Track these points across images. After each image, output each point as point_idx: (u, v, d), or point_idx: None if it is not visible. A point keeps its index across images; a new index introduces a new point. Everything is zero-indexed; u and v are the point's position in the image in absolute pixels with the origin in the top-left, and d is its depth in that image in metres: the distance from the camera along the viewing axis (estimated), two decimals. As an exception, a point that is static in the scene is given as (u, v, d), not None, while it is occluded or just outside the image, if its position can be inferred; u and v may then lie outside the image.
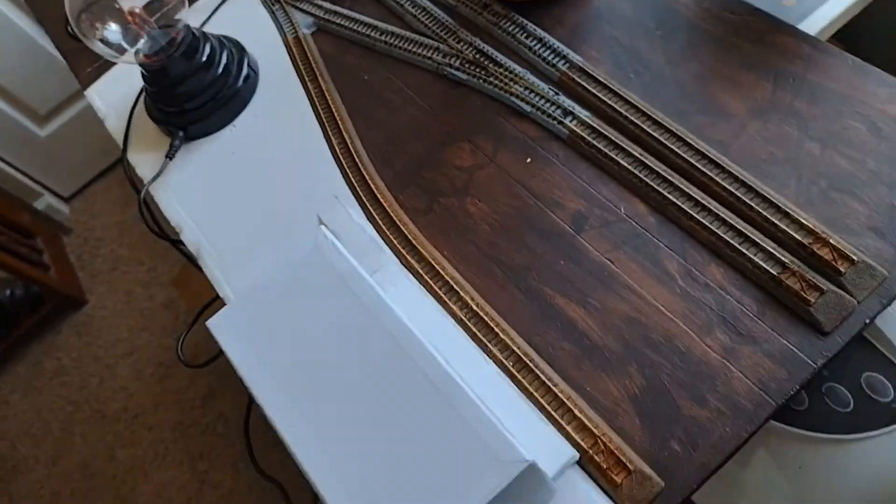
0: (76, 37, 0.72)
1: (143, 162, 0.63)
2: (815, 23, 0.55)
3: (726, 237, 0.45)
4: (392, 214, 0.53)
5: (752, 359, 0.42)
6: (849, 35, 0.62)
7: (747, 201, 0.46)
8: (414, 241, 0.51)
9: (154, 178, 0.60)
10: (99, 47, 0.58)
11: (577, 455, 0.35)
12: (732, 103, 0.50)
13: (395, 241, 0.52)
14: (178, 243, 0.59)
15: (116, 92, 0.69)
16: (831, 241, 0.43)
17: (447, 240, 0.51)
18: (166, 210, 0.59)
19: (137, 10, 0.57)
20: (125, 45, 0.59)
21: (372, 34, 0.63)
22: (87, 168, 1.78)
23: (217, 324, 0.42)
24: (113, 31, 0.58)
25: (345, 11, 0.65)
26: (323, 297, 0.41)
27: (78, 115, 1.58)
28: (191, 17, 0.68)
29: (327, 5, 0.66)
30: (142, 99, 0.67)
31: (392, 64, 0.62)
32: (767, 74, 0.51)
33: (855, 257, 0.42)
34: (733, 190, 0.46)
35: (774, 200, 0.45)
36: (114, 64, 0.71)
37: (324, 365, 0.39)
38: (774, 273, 0.43)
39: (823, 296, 0.42)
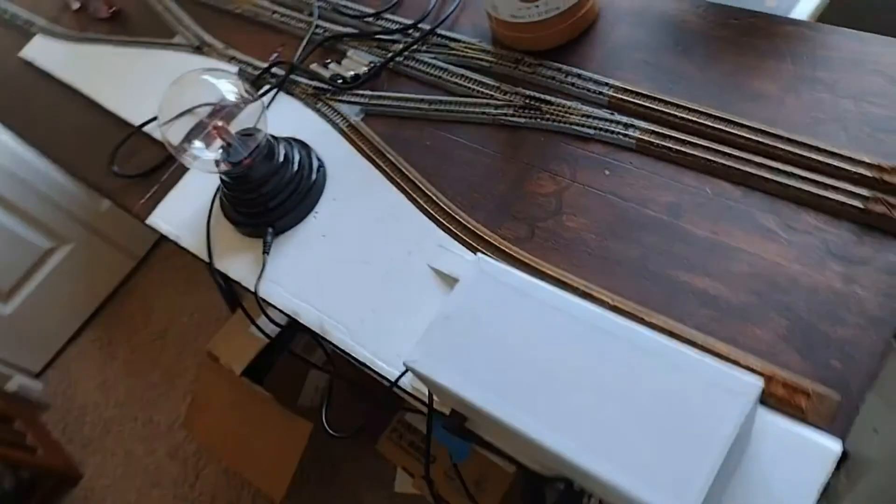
0: (122, 174, 0.76)
1: (233, 266, 0.66)
2: (799, 16, 0.66)
3: (807, 188, 0.53)
4: (499, 246, 0.58)
5: (870, 277, 0.49)
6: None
7: (813, 157, 0.54)
8: (530, 263, 0.56)
9: (260, 276, 0.63)
10: (191, 163, 0.62)
11: (761, 382, 0.39)
12: (765, 86, 0.59)
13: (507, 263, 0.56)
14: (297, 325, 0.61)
15: (181, 212, 0.72)
16: (892, 167, 0.51)
17: (560, 256, 0.57)
18: (276, 301, 0.62)
19: (221, 125, 0.61)
20: (211, 157, 0.63)
21: (422, 106, 0.69)
22: (56, 337, 1.78)
23: (414, 359, 0.45)
24: (198, 147, 0.63)
25: (388, 94, 0.72)
26: (508, 310, 0.45)
27: (40, 286, 1.58)
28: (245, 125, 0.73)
29: (368, 93, 0.73)
30: (214, 209, 0.70)
31: (449, 127, 0.68)
32: (784, 57, 0.60)
33: (921, 175, 0.50)
34: (797, 150, 0.54)
35: (835, 151, 0.53)
36: (166, 189, 0.75)
37: (536, 362, 0.42)
38: (860, 206, 0.51)
39: (908, 212, 0.49)
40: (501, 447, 0.50)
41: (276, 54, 0.82)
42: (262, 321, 1.54)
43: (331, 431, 0.75)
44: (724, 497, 0.43)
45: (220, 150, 0.63)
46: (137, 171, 0.77)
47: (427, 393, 0.51)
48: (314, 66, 0.78)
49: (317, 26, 0.81)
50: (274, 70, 0.79)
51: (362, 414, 1.27)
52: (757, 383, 0.38)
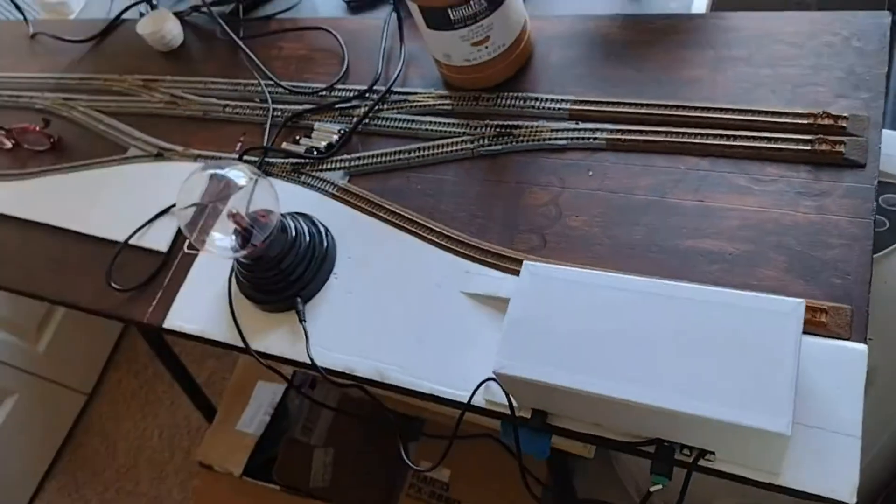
0: (123, 289, 0.77)
1: (270, 343, 0.69)
2: (697, 10, 0.77)
3: (761, 145, 0.62)
4: (519, 258, 0.65)
5: (837, 203, 0.58)
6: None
7: (756, 119, 0.64)
8: (555, 265, 0.63)
9: (308, 343, 0.66)
10: (214, 252, 0.65)
11: (802, 300, 0.47)
12: (695, 72, 0.69)
13: (537, 275, 0.63)
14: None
15: (196, 308, 0.74)
16: (823, 112, 0.62)
17: (576, 253, 0.64)
18: (329, 363, 0.65)
19: (236, 212, 0.65)
20: (229, 246, 0.66)
21: (402, 156, 0.75)
22: (19, 495, 1.70)
23: (502, 365, 0.50)
24: (219, 238, 0.65)
25: (366, 153, 0.77)
26: (568, 300, 0.51)
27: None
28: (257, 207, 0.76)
29: (347, 156, 0.78)
30: (233, 295, 0.72)
31: (433, 169, 0.74)
32: (703, 45, 0.71)
33: (846, 114, 0.61)
34: (742, 117, 0.64)
35: (771, 110, 0.64)
36: (173, 291, 0.76)
37: (609, 336, 0.48)
38: (808, 148, 0.61)
39: (846, 144, 0.60)
40: (584, 430, 0.55)
41: (239, 143, 0.86)
42: (248, 416, 1.51)
43: None
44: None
45: (235, 236, 0.66)
46: (136, 283, 0.78)
47: (507, 402, 0.56)
48: (286, 145, 0.82)
49: (274, 110, 0.85)
50: (245, 158, 0.82)
51: (375, 482, 1.28)
52: (798, 301, 0.46)
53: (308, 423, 1.36)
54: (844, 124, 0.61)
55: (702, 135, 0.65)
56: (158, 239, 0.81)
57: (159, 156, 0.89)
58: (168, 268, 0.79)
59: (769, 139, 0.63)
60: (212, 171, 0.66)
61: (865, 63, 0.64)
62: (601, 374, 0.48)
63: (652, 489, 0.52)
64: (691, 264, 0.59)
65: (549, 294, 0.52)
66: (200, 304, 0.74)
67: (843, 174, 0.60)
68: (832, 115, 0.61)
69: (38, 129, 0.97)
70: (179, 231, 0.81)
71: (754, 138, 0.63)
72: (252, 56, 0.90)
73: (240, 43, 0.91)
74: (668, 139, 0.66)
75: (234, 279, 0.73)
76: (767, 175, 0.62)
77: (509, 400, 0.56)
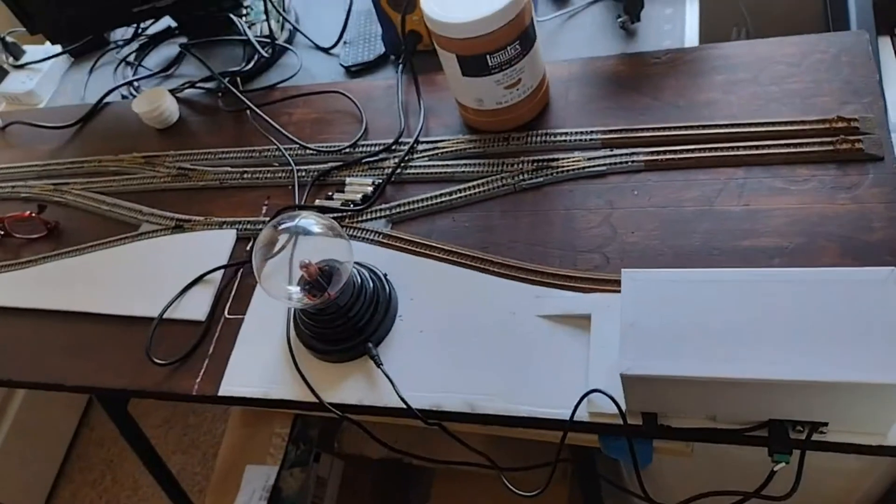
0: (166, 363, 0.74)
1: (346, 394, 0.67)
2: (690, 43, 0.85)
3: (789, 150, 0.69)
4: (587, 276, 0.67)
5: (869, 193, 0.65)
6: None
7: (777, 129, 0.71)
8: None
9: (394, 387, 0.65)
10: (287, 302, 0.64)
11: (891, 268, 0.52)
12: (710, 96, 0.76)
13: (606, 290, 0.66)
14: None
15: (252, 371, 0.72)
16: (836, 117, 0.69)
17: (642, 266, 0.67)
18: (416, 403, 0.64)
19: (308, 262, 0.64)
20: (302, 298, 0.65)
21: (444, 198, 0.78)
22: None
23: (628, 367, 0.51)
24: (296, 293, 0.65)
25: (404, 200, 0.79)
26: (675, 298, 0.53)
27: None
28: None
29: (385, 206, 0.79)
30: (294, 351, 0.71)
31: (477, 207, 0.77)
32: (709, 72, 0.78)
33: (856, 116, 0.69)
34: (764, 129, 0.71)
35: (788, 120, 0.71)
36: (222, 358, 0.74)
37: (724, 325, 0.50)
38: (831, 149, 0.68)
39: (863, 141, 0.67)
40: (697, 425, 0.57)
41: (265, 207, 0.86)
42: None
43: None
44: None
45: (302, 287, 0.66)
46: (179, 356, 0.75)
47: (618, 410, 0.57)
48: (319, 202, 0.83)
49: (298, 171, 0.86)
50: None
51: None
52: (891, 269, 0.51)
53: (316, 500, 1.30)
54: (857, 125, 0.68)
55: (732, 148, 0.71)
56: (194, 308, 0.79)
57: (178, 227, 0.87)
58: (211, 335, 0.76)
59: (794, 145, 0.69)
60: (285, 224, 0.65)
61: (858, 73, 0.72)
62: (726, 359, 0.50)
63: (776, 468, 0.54)
64: (754, 260, 0.64)
65: (654, 295, 0.54)
66: (256, 367, 0.72)
67: (866, 167, 0.67)
68: (844, 118, 0.69)
69: (33, 215, 0.93)
70: (216, 298, 0.79)
71: (780, 145, 0.70)
72: (272, 123, 0.91)
73: (259, 112, 0.92)
74: (702, 155, 0.71)
75: (292, 334, 0.72)
76: (800, 176, 0.68)
77: (619, 408, 0.57)
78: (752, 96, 0.75)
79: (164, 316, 0.79)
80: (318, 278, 0.66)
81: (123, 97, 1.10)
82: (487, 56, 0.72)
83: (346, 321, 0.68)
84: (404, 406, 0.64)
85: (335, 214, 0.80)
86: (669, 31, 0.87)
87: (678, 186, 0.71)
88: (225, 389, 0.71)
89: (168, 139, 0.99)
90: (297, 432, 1.38)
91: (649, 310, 0.54)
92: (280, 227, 0.65)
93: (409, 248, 0.75)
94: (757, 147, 0.70)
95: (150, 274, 0.84)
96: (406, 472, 1.33)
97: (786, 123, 0.71)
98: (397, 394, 0.64)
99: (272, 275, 0.66)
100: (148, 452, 1.33)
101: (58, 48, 1.21)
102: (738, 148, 0.71)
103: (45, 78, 1.19)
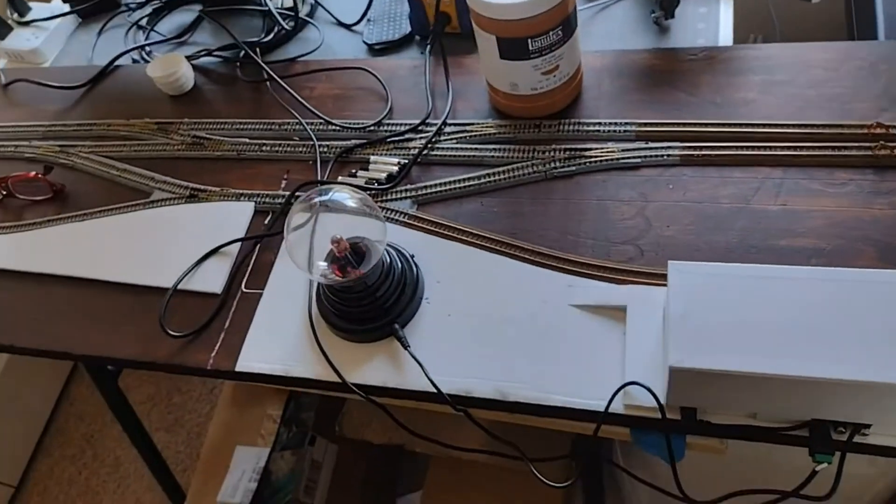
0: (181, 335, 0.71)
1: (370, 375, 0.66)
2: (724, 42, 0.85)
3: (828, 153, 0.69)
4: (620, 268, 0.66)
5: (906, 199, 0.65)
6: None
7: (816, 132, 0.70)
8: (659, 272, 0.65)
9: (424, 370, 0.63)
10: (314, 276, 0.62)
11: None
12: (747, 95, 0.76)
13: (640, 282, 0.65)
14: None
15: (271, 347, 0.70)
16: (875, 123, 0.69)
17: (678, 258, 0.66)
18: (445, 388, 0.63)
19: (339, 238, 0.62)
20: (331, 274, 0.63)
21: (473, 182, 0.76)
22: None
23: (679, 359, 0.51)
24: (324, 268, 0.63)
25: (431, 182, 0.77)
26: (724, 291, 0.52)
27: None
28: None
29: (410, 186, 0.78)
30: (315, 329, 0.69)
31: (506, 192, 0.75)
32: (747, 72, 0.77)
33: (892, 124, 0.69)
34: (802, 131, 0.71)
35: (828, 123, 0.70)
36: (239, 332, 0.72)
37: (774, 320, 0.50)
38: (870, 154, 0.68)
39: (902, 149, 0.67)
40: (737, 422, 0.56)
41: (284, 181, 0.83)
42: (230, 485, 1.41)
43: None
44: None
45: (330, 263, 0.64)
46: (193, 328, 0.73)
47: (657, 404, 0.56)
48: (342, 179, 0.81)
49: (320, 146, 0.84)
50: (298, 192, 0.80)
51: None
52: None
53: (310, 484, 1.28)
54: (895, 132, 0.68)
55: (769, 147, 0.71)
56: (210, 281, 0.76)
57: (192, 197, 0.84)
58: (227, 309, 0.74)
59: (832, 148, 0.69)
60: (318, 199, 0.63)
61: (897, 82, 0.73)
62: (776, 355, 0.49)
63: (818, 468, 0.53)
64: (791, 260, 0.64)
65: (701, 288, 0.54)
66: (275, 343, 0.70)
67: (905, 174, 0.67)
68: (883, 125, 0.69)
69: (39, 175, 0.89)
70: (233, 270, 0.77)
71: (818, 147, 0.69)
72: (295, 95, 0.89)
73: (282, 83, 0.90)
74: (739, 153, 0.71)
75: (314, 312, 0.70)
76: (838, 179, 0.68)
77: (658, 401, 0.56)
78: (790, 98, 0.74)
79: (178, 287, 0.76)
80: (347, 255, 0.64)
81: (135, 61, 1.07)
82: (529, 40, 0.71)
83: (372, 301, 0.66)
84: (433, 390, 0.62)
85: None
86: (703, 30, 0.86)
87: (714, 183, 0.70)
88: (242, 365, 0.69)
89: (182, 106, 0.96)
90: (290, 414, 1.36)
91: (698, 303, 0.53)
92: (314, 200, 0.63)
93: (436, 230, 0.74)
94: (795, 148, 0.70)
95: (163, 243, 0.81)
96: (401, 459, 1.31)
97: (824, 126, 0.71)
98: (427, 377, 0.62)
99: (298, 246, 0.64)
100: (135, 428, 1.30)
101: (66, 7, 1.17)
102: (775, 148, 0.70)
103: (52, 37, 1.15)
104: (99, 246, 0.83)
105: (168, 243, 0.81)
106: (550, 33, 0.71)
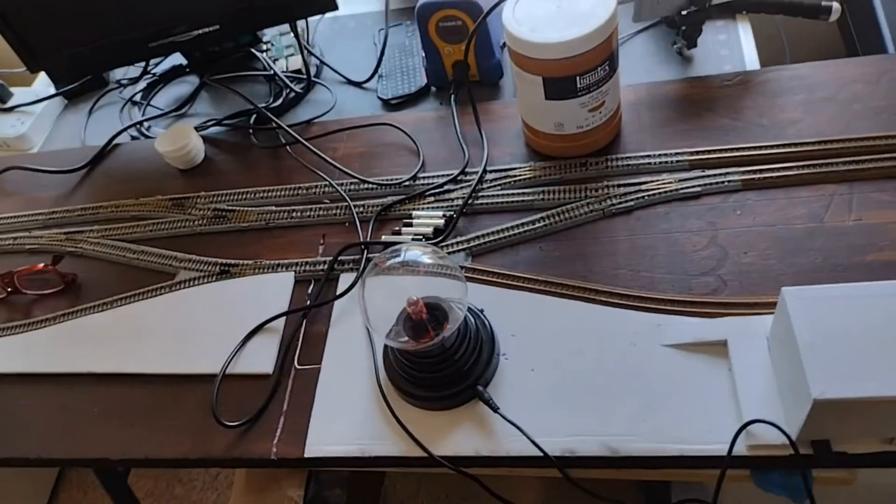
0: (236, 424, 0.65)
1: (458, 444, 0.60)
2: (751, 65, 0.85)
3: (890, 164, 0.68)
4: (706, 300, 0.63)
5: (981, 202, 0.64)
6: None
7: (870, 144, 0.69)
8: (749, 301, 0.62)
9: (524, 432, 0.58)
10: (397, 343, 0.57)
11: None
12: (791, 115, 0.75)
13: (732, 313, 0.62)
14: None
15: (341, 427, 0.64)
16: (931, 130, 0.69)
17: (764, 287, 0.63)
18: (549, 448, 0.58)
19: (416, 300, 0.58)
20: (406, 340, 0.58)
21: (528, 227, 0.73)
22: None
23: (822, 391, 0.47)
24: (403, 338, 0.58)
25: (482, 232, 0.74)
26: (848, 314, 0.50)
27: None
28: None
29: (460, 238, 0.74)
30: (388, 401, 0.63)
31: (564, 235, 0.72)
32: (785, 92, 0.77)
33: (950, 128, 0.69)
34: (856, 144, 0.70)
35: (880, 135, 0.70)
36: (300, 415, 0.66)
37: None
38: (933, 160, 0.67)
39: (964, 153, 0.67)
40: (870, 449, 0.53)
41: (322, 246, 0.79)
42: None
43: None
44: None
45: (405, 327, 0.59)
46: (248, 416, 0.66)
47: (787, 440, 0.52)
48: (386, 238, 0.76)
49: (355, 206, 0.80)
50: (342, 257, 0.75)
51: None
52: None
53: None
54: (951, 139, 0.68)
55: (830, 164, 0.69)
56: (259, 361, 0.70)
57: (224, 273, 0.79)
58: (283, 390, 0.68)
59: (893, 158, 0.68)
60: (392, 261, 0.59)
61: (938, 89, 0.73)
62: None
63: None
64: (886, 275, 0.61)
65: (822, 312, 0.51)
66: (344, 422, 0.64)
67: (972, 178, 0.66)
68: (938, 132, 0.69)
69: (49, 266, 0.83)
70: (282, 347, 0.71)
71: (879, 159, 0.68)
72: (323, 157, 0.85)
73: (308, 146, 0.86)
74: (801, 172, 0.70)
75: (383, 383, 0.65)
76: (904, 189, 0.67)
77: (789, 437, 0.52)
78: (836, 114, 0.74)
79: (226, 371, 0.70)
80: (423, 317, 0.59)
81: (133, 138, 1.02)
82: (577, 77, 0.69)
83: (451, 364, 0.61)
84: (534, 455, 0.57)
85: (409, 250, 0.74)
86: (727, 56, 0.86)
87: (782, 204, 0.69)
88: (312, 450, 0.63)
89: (195, 180, 0.91)
90: (312, 495, 1.28)
91: (823, 329, 0.50)
92: (386, 264, 0.59)
93: (498, 280, 0.70)
94: (857, 162, 0.69)
95: (197, 326, 0.75)
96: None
97: (878, 138, 0.70)
98: (530, 439, 0.57)
99: (374, 312, 0.59)
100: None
101: (50, 89, 1.12)
102: (836, 164, 0.69)
103: (38, 121, 1.09)
104: (124, 336, 0.76)
105: (203, 325, 0.75)
106: (598, 69, 0.69)
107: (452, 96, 0.88)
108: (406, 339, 0.59)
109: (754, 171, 0.71)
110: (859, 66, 0.78)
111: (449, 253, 0.73)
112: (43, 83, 1.18)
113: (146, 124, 1.03)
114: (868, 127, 0.72)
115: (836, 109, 0.74)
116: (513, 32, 0.68)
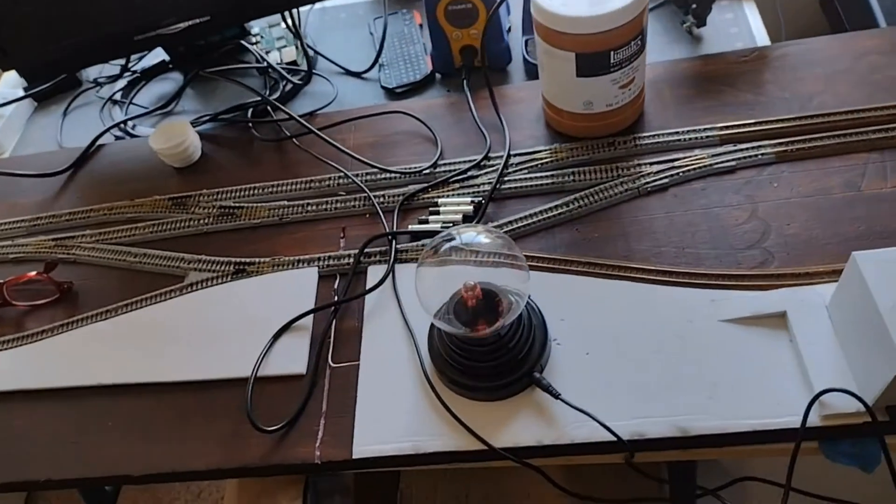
0: (276, 428, 0.61)
1: (520, 435, 0.57)
2: (760, 41, 0.85)
3: (919, 131, 0.68)
4: (755, 273, 0.62)
5: None
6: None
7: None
8: (798, 272, 0.61)
9: (592, 416, 0.56)
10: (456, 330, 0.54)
11: None
12: (813, 86, 0.75)
13: (786, 284, 0.61)
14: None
15: (386, 425, 0.60)
16: (954, 97, 0.70)
17: (810, 257, 0.63)
18: (621, 432, 0.55)
19: (474, 284, 0.55)
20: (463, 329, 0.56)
21: (562, 210, 0.71)
22: None
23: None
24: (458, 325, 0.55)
25: (515, 216, 0.71)
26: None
27: None
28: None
29: (495, 224, 0.71)
30: (438, 393, 0.60)
31: (599, 215, 0.70)
32: (803, 66, 0.77)
33: (972, 94, 0.70)
34: (884, 112, 0.70)
35: (906, 103, 0.71)
36: (341, 415, 0.62)
37: None
38: (960, 126, 0.68)
39: None
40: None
41: (342, 239, 0.75)
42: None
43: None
44: None
45: (456, 314, 0.56)
46: (284, 419, 0.62)
47: (865, 407, 0.51)
48: (412, 227, 0.73)
49: (375, 197, 0.76)
50: (367, 249, 0.72)
51: None
52: None
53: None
54: (973, 104, 0.69)
55: (860, 133, 0.69)
56: (291, 361, 0.66)
57: (240, 272, 0.74)
58: (320, 389, 0.64)
59: (922, 126, 0.69)
60: (449, 244, 0.56)
61: (953, 57, 0.74)
62: None
63: None
64: (924, 242, 0.62)
65: (894, 275, 0.50)
66: (392, 419, 0.61)
67: None
68: (961, 98, 0.70)
69: (42, 275, 0.76)
70: (318, 347, 0.67)
71: (907, 129, 0.69)
72: (339, 147, 0.81)
73: (322, 136, 0.82)
74: (831, 142, 0.69)
75: (431, 374, 0.61)
76: (935, 156, 0.67)
77: (866, 405, 0.51)
78: (857, 84, 0.74)
79: (257, 374, 0.65)
80: (479, 303, 0.56)
81: (117, 138, 0.96)
82: (611, 52, 0.67)
83: (505, 352, 0.59)
84: (606, 439, 0.55)
85: (440, 238, 0.71)
86: (738, 34, 0.86)
87: (817, 175, 0.68)
88: (360, 450, 0.59)
89: (193, 177, 0.86)
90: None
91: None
92: (443, 248, 0.56)
93: (539, 265, 0.67)
94: (882, 130, 0.69)
95: (215, 328, 0.70)
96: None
97: (907, 106, 0.70)
98: (601, 424, 0.55)
99: (430, 298, 0.56)
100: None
101: (18, 92, 1.05)
102: (866, 132, 0.69)
103: (7, 125, 1.02)
104: (134, 344, 0.71)
105: (223, 328, 0.70)
106: (632, 43, 0.67)
107: (465, 81, 0.85)
108: (462, 327, 0.55)
109: (786, 143, 0.70)
110: (869, 38, 0.78)
111: (482, 239, 0.70)
112: (8, 84, 1.10)
113: (131, 123, 0.97)
114: (891, 96, 0.72)
115: (855, 80, 0.75)
116: (544, 6, 0.66)
